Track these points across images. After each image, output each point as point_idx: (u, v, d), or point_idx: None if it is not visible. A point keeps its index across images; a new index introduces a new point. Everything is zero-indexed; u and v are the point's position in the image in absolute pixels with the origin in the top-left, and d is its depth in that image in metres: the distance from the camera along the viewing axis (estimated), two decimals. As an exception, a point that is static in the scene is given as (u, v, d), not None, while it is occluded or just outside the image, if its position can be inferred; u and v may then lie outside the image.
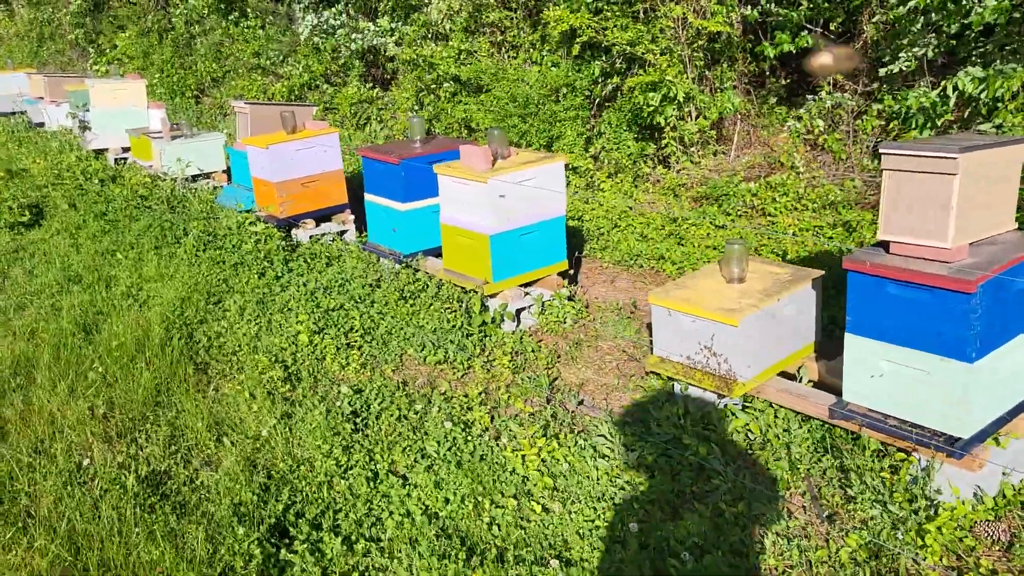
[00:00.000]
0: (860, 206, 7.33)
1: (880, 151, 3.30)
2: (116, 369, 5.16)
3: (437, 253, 6.32)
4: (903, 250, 3.34)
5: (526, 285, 5.68)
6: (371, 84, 13.91)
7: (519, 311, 5.60)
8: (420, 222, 6.17)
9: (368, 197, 6.41)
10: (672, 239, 7.19)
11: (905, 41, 7.39)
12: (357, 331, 5.46)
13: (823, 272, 4.20)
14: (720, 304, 3.96)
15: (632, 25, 9.16)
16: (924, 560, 3.10)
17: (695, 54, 8.95)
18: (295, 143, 7.30)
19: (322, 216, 7.65)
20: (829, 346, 4.35)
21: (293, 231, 7.54)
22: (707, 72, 9.20)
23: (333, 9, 14.24)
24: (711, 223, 7.34)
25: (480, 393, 4.67)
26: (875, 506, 3.34)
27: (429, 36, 12.51)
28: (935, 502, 3.30)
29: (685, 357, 4.11)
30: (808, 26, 8.32)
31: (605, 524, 3.42)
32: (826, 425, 3.89)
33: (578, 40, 9.49)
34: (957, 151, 3.08)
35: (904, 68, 7.65)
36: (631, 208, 8.21)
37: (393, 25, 13.29)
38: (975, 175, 3.18)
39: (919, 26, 7.12)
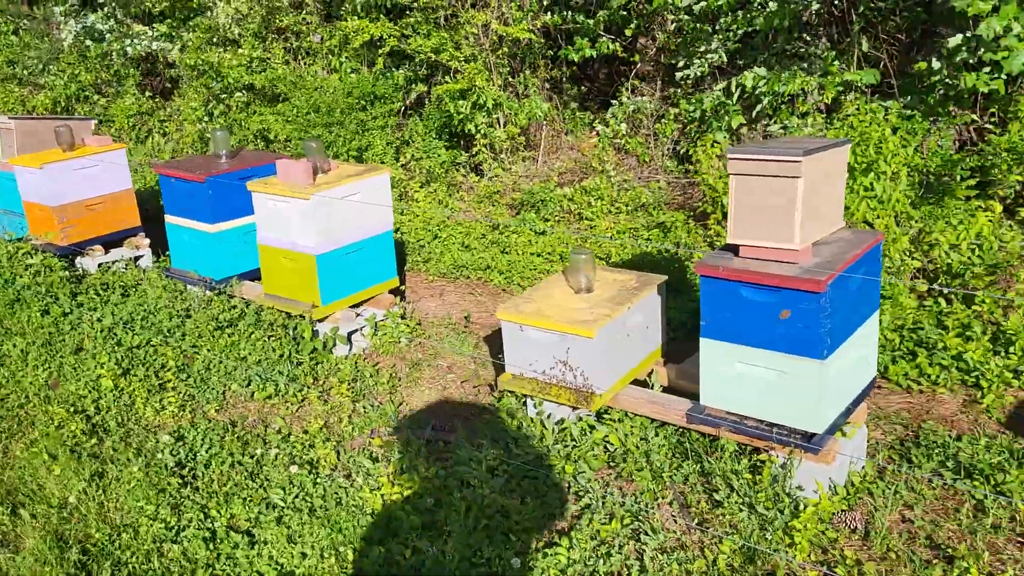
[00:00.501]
0: (669, 206, 7.60)
1: (727, 156, 3.34)
2: None
3: (254, 276, 5.85)
4: (752, 253, 3.39)
5: (356, 306, 5.37)
6: (150, 94, 12.88)
7: (351, 334, 5.28)
8: (232, 244, 5.68)
9: (169, 219, 5.82)
10: (495, 248, 7.11)
11: (699, 47, 7.74)
12: (170, 369, 4.92)
13: (666, 277, 4.24)
14: (573, 316, 3.88)
15: (435, 32, 9.02)
16: (795, 558, 3.16)
17: (499, 61, 8.95)
18: (75, 161, 6.52)
19: (112, 241, 6.90)
20: (674, 349, 4.40)
21: (78, 260, 6.74)
22: (511, 78, 9.24)
23: (98, 13, 13.04)
24: (531, 230, 7.34)
25: (321, 428, 4.33)
26: (742, 509, 3.38)
27: (215, 42, 11.74)
28: (797, 498, 3.37)
29: (540, 372, 4.00)
30: (604, 34, 8.54)
31: (483, 561, 3.22)
32: (681, 430, 3.91)
33: (382, 51, 9.23)
34: (801, 154, 3.16)
35: (699, 72, 8.02)
36: (448, 217, 8.06)
37: (172, 31, 12.37)
38: (814, 177, 3.28)
39: (708, 31, 7.48)
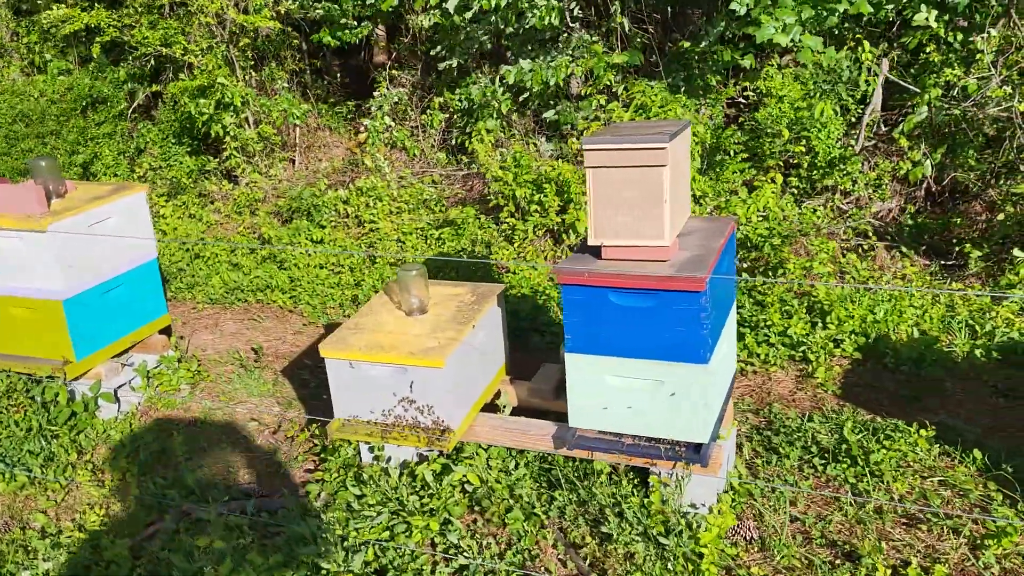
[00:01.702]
0: (452, 201, 7.17)
1: (583, 147, 2.93)
2: None
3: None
4: (617, 253, 3.02)
5: (120, 354, 4.40)
6: None
7: (117, 390, 4.31)
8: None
9: None
10: (270, 263, 6.29)
11: (462, 38, 7.34)
12: None
13: (504, 286, 3.77)
14: (413, 344, 3.30)
15: (162, 22, 7.87)
16: (705, 586, 2.85)
17: (239, 54, 8.00)
18: None
19: None
20: (516, 364, 3.96)
21: None
22: (254, 73, 8.31)
23: None
24: (308, 239, 6.59)
25: (103, 520, 3.40)
26: (636, 539, 3.01)
27: None
28: (690, 518, 3.07)
29: (380, 413, 3.38)
30: (355, 21, 7.90)
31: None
32: (543, 456, 3.48)
33: (98, 40, 7.91)
34: (667, 139, 2.82)
35: (462, 62, 7.64)
36: (203, 233, 7.07)
37: None
38: (673, 164, 2.96)
39: (477, 25, 7.10)
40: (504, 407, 3.63)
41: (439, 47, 7.69)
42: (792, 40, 5.81)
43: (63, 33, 7.96)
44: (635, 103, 5.74)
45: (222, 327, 5.47)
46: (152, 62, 8.63)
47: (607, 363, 3.08)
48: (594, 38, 6.83)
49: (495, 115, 7.39)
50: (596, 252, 3.08)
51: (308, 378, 4.67)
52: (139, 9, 7.95)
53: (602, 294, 2.99)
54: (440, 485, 3.32)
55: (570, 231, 5.92)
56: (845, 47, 6.06)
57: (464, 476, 3.36)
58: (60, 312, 3.95)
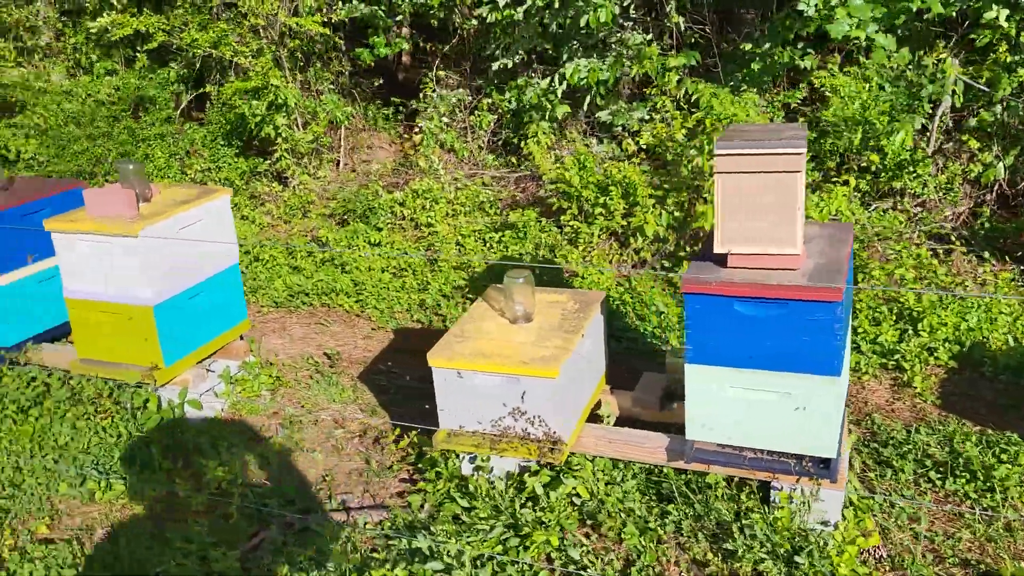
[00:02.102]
0: (503, 204, 7.08)
1: (715, 152, 2.83)
2: None
3: (52, 337, 4.58)
4: (745, 262, 2.92)
5: (203, 359, 4.33)
6: None
7: (201, 395, 4.24)
8: (22, 299, 4.38)
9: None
10: (330, 266, 6.21)
11: (514, 38, 7.24)
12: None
13: (604, 293, 3.68)
14: (523, 353, 3.21)
15: (213, 24, 7.82)
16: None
17: (288, 55, 7.94)
18: None
19: None
20: (613, 373, 3.86)
21: None
22: (299, 75, 8.25)
23: None
24: (366, 242, 6.51)
25: (208, 531, 3.32)
26: (765, 559, 2.91)
27: (-81, 44, 9.56)
28: (820, 535, 2.96)
29: (490, 424, 3.29)
30: (405, 25, 7.83)
31: None
32: (649, 468, 3.39)
33: (147, 47, 7.86)
34: (803, 144, 2.72)
35: (515, 61, 7.55)
36: (257, 235, 7.01)
37: None
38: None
39: (532, 22, 7.00)
40: (607, 417, 3.54)
41: (491, 47, 7.61)
42: (866, 37, 5.70)
43: (113, 39, 7.90)
44: (704, 105, 5.63)
45: (290, 331, 5.40)
46: (197, 64, 8.57)
47: (730, 374, 2.98)
48: (648, 38, 6.72)
49: (548, 117, 7.30)
50: (718, 259, 2.99)
51: (386, 384, 4.59)
52: (189, 10, 7.90)
53: (727, 303, 2.90)
54: (549, 498, 3.23)
55: (637, 234, 5.82)
56: (915, 47, 5.94)
57: (574, 489, 3.27)
58: (150, 318, 3.88)
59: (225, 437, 3.97)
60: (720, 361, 2.98)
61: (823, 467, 2.98)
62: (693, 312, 2.96)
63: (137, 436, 3.88)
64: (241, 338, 4.49)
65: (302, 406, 4.35)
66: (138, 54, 8.49)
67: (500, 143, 7.96)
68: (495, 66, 7.51)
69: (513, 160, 7.84)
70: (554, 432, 3.20)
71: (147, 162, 7.90)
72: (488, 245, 6.29)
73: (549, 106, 7.01)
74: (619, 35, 6.77)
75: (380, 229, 6.66)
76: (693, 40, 7.14)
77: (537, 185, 7.49)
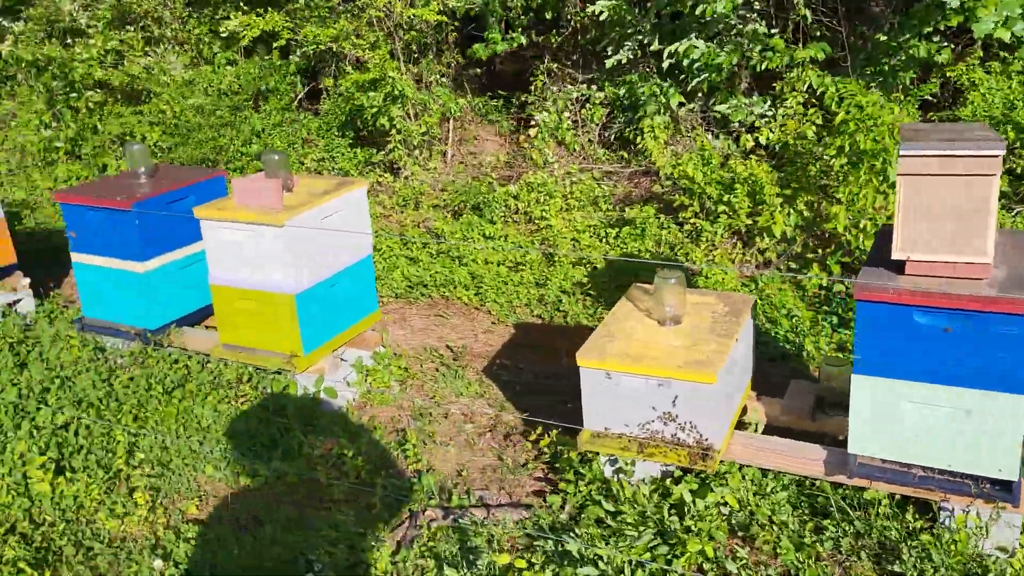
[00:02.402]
0: (617, 199, 6.95)
1: (901, 153, 2.66)
2: None
3: (193, 321, 4.68)
4: (927, 269, 2.74)
5: (336, 349, 4.35)
6: (-29, 97, 10.83)
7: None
8: (167, 284, 4.48)
9: (80, 258, 4.52)
10: (446, 258, 6.20)
11: (627, 29, 7.08)
12: (120, 455, 3.73)
13: (755, 297, 3.54)
14: (679, 356, 3.10)
15: (331, 19, 7.91)
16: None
17: (403, 47, 7.97)
18: (-75, 189, 5.03)
19: (-21, 285, 5.44)
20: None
21: (-62, 311, 5.25)
22: (412, 67, 8.27)
23: None
24: (481, 235, 6.48)
25: (351, 521, 3.32)
26: (937, 581, 2.74)
27: (54, 33, 9.98)
28: (998, 562, 2.78)
29: (637, 427, 3.20)
30: (519, 19, 7.75)
31: None
32: (799, 481, 3.24)
33: (277, 44, 8.00)
34: (1001, 147, 2.53)
35: (630, 56, 7.40)
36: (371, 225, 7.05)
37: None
38: (992, 174, 2.67)
39: (635, 11, 6.84)
40: (755, 425, 3.41)
41: (605, 41, 7.48)
42: (1011, 35, 5.38)
43: (244, 41, 8.08)
44: (847, 103, 5.38)
45: (410, 322, 5.40)
46: (314, 58, 8.70)
47: (904, 388, 2.81)
48: (771, 30, 6.48)
49: (662, 110, 7.13)
50: (893, 266, 2.82)
51: (512, 380, 4.55)
52: (308, 6, 8.01)
53: (906, 313, 2.73)
54: (696, 506, 3.12)
55: (763, 234, 5.63)
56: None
57: (722, 498, 3.15)
58: (292, 306, 3.92)
59: (361, 426, 3.99)
60: (893, 373, 2.82)
61: (1003, 490, 2.79)
62: (865, 321, 2.80)
63: (278, 422, 3.92)
64: (372, 329, 4.50)
65: (431, 398, 4.33)
66: (257, 47, 8.66)
67: (611, 137, 7.84)
68: (608, 63, 7.38)
69: (624, 155, 7.71)
70: (706, 439, 3.09)
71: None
72: (605, 241, 6.18)
73: (662, 96, 6.83)
74: (740, 27, 6.55)
75: (493, 222, 6.62)
76: (819, 33, 6.87)
77: (651, 180, 7.34)
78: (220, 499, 3.57)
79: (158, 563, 3.01)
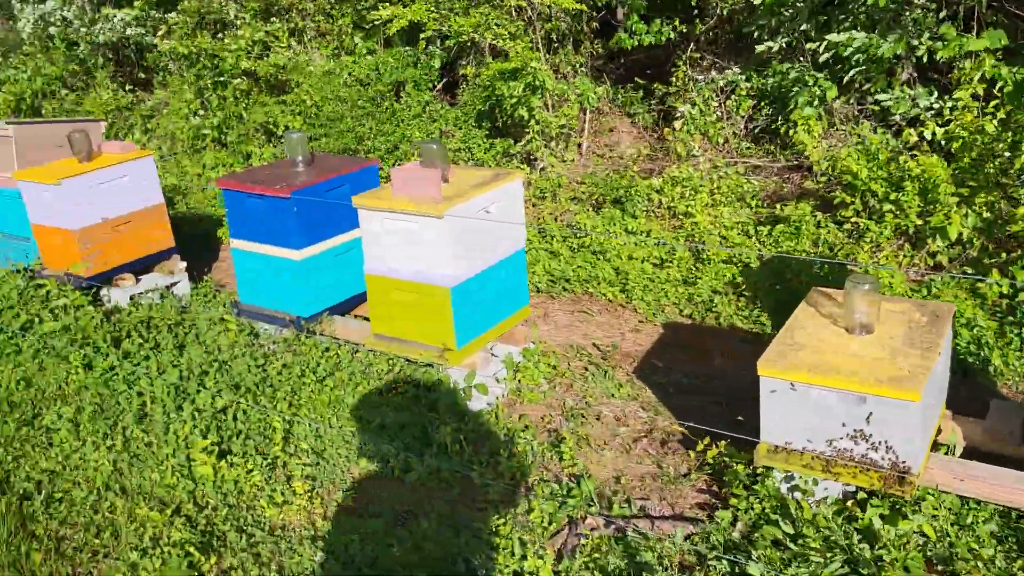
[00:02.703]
0: (765, 195, 6.61)
1: None
2: None
3: (344, 309, 4.69)
4: None
5: (487, 344, 4.26)
6: (130, 86, 11.41)
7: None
8: (321, 272, 4.50)
9: (238, 244, 4.60)
10: (586, 253, 6.03)
11: (783, 15, 6.70)
12: (276, 442, 3.75)
13: (954, 306, 3.22)
14: (877, 370, 2.84)
15: (474, 9, 7.85)
16: None
17: (542, 36, 7.84)
18: (96, 174, 5.24)
19: (140, 267, 5.64)
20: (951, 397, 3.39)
21: (103, 292, 5.47)
22: (550, 57, 8.13)
23: (57, -1, 11.45)
24: (624, 229, 6.27)
25: (509, 525, 3.21)
26: None
27: (204, 24, 10.35)
28: None
29: (823, 443, 2.96)
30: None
31: None
32: (1002, 511, 2.92)
33: (423, 36, 8.01)
34: None
35: (783, 44, 7.02)
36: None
37: (144, 13, 10.91)
38: None
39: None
40: (950, 448, 3.10)
41: (755, 27, 7.13)
42: None
43: (392, 31, 8.13)
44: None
45: (554, 318, 5.27)
46: (454, 47, 8.68)
47: None
48: (940, 17, 6.00)
49: (815, 101, 6.73)
50: None
51: (665, 383, 4.35)
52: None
53: None
54: (888, 534, 2.84)
55: (936, 236, 5.21)
56: None
57: (918, 527, 2.87)
58: (447, 299, 3.84)
59: (512, 425, 3.88)
60: None
61: None
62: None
63: (429, 416, 3.86)
64: (522, 324, 4.39)
65: (582, 399, 4.19)
66: (395, 37, 8.71)
67: (757, 130, 7.49)
68: (759, 48, 7.04)
69: (771, 148, 7.35)
70: (903, 461, 2.81)
71: (405, 142, 8.10)
72: (755, 239, 5.87)
73: (815, 87, 6.44)
74: (906, 14, 6.09)
75: (635, 216, 6.41)
76: (995, 19, 6.33)
77: (802, 176, 6.97)
78: (374, 492, 3.53)
79: (320, 555, 2.98)
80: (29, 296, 5.24)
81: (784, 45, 6.99)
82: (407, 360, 4.16)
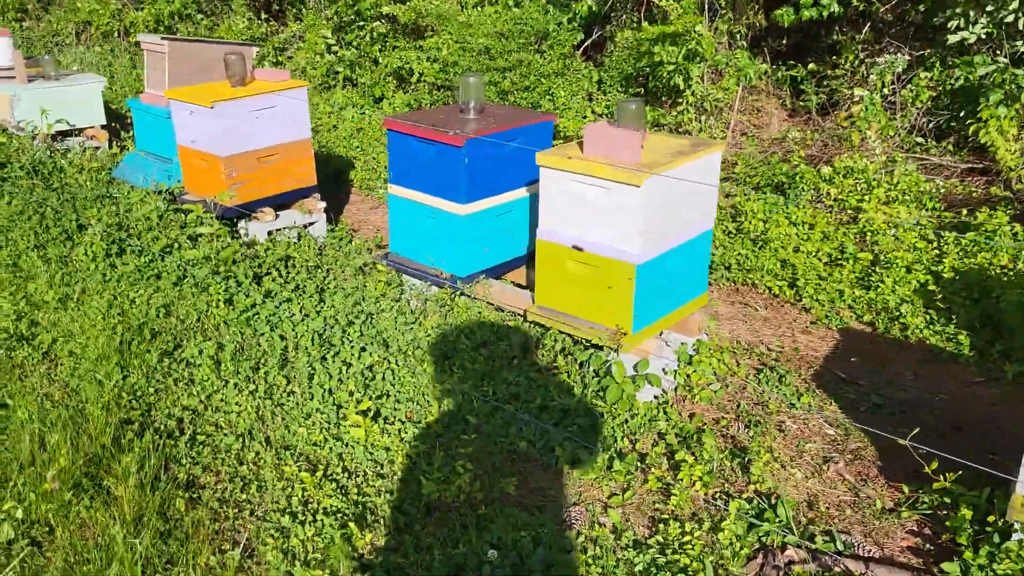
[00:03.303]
0: (949, 199, 5.98)
1: None
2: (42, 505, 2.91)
3: (497, 273, 4.35)
4: None
5: (660, 331, 3.85)
6: (264, 15, 11.27)
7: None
8: (483, 230, 4.16)
9: (397, 191, 4.28)
10: (742, 238, 5.53)
11: (989, 8, 5.99)
12: (432, 413, 3.44)
13: None
14: None
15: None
16: None
17: (707, 4, 7.28)
18: (249, 100, 4.99)
19: (280, 203, 5.41)
20: None
21: (243, 224, 5.26)
22: (710, 23, 7.56)
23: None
24: (785, 218, 5.73)
25: (697, 545, 2.82)
26: None
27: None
28: None
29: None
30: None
31: None
32: None
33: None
34: None
35: (983, 35, 6.32)
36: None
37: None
38: None
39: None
40: None
41: (948, 14, 6.44)
42: None
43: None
44: None
45: (714, 308, 4.82)
46: (605, 3, 8.19)
47: None
48: None
49: (1009, 100, 6.04)
50: None
51: (854, 398, 3.88)
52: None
53: None
54: None
55: None
56: None
57: None
58: (631, 277, 3.44)
59: (685, 425, 3.48)
60: None
61: None
62: None
63: (596, 406, 3.48)
64: (697, 313, 3.97)
65: (760, 404, 3.75)
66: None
67: (934, 126, 6.83)
68: (951, 39, 6.35)
69: (949, 146, 6.70)
70: None
71: (547, 99, 7.68)
72: (935, 246, 5.27)
73: (1011, 85, 5.76)
74: None
75: (800, 206, 5.86)
76: None
77: (987, 181, 6.31)
78: (536, 481, 3.18)
79: (492, 553, 2.65)
80: (168, 220, 5.06)
81: (983, 36, 6.30)
82: (572, 339, 3.78)
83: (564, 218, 3.60)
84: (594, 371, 3.62)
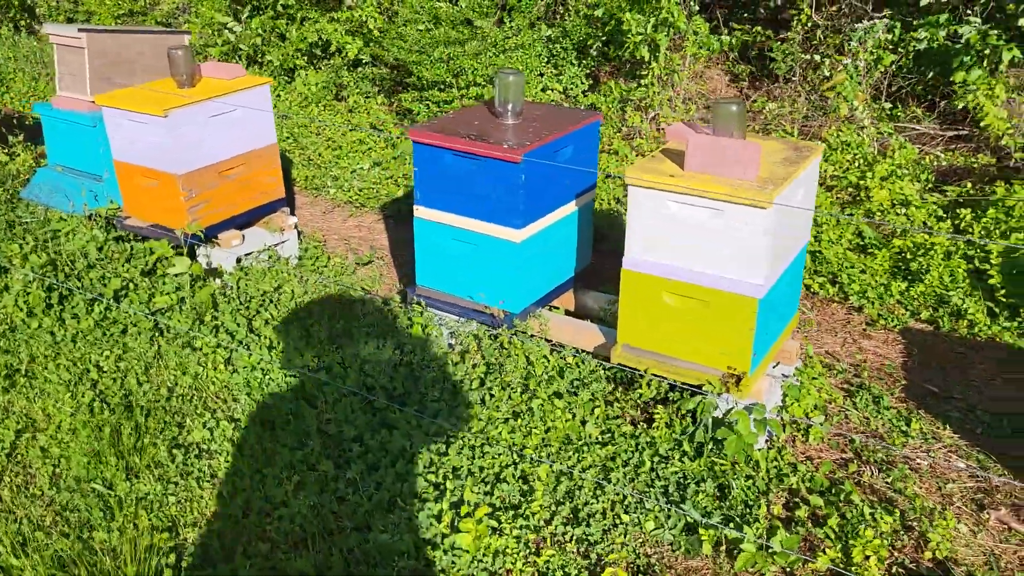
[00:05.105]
0: (944, 172, 5.77)
1: None
2: None
3: (548, 302, 3.71)
4: None
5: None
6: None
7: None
8: (537, 255, 3.50)
9: (427, 214, 3.51)
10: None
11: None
12: (538, 499, 2.80)
13: None
14: None
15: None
16: None
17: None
18: (209, 105, 4.08)
19: (242, 222, 4.55)
20: None
21: (202, 251, 4.37)
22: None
23: None
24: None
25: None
26: None
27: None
28: None
29: None
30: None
31: None
32: None
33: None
34: None
35: (952, -4, 6.11)
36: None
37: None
38: None
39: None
40: None
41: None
42: None
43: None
44: None
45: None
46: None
47: None
48: None
49: (987, 63, 5.86)
50: None
51: (960, 417, 3.52)
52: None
53: None
54: None
55: None
56: None
57: None
58: (752, 312, 2.90)
59: (816, 476, 3.01)
60: None
61: None
62: None
63: (718, 463, 2.95)
64: (792, 337, 3.49)
65: (873, 435, 3.32)
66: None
67: (898, 90, 6.63)
68: (923, 1, 6.14)
69: (914, 111, 6.52)
70: None
71: (474, 75, 6.95)
72: (952, 224, 5.01)
73: (984, 46, 5.56)
74: None
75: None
76: None
77: (970, 148, 6.14)
78: (651, 568, 2.63)
79: None
80: (110, 252, 4.13)
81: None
82: (668, 382, 3.22)
83: (660, 243, 3.01)
84: (706, 424, 3.08)
